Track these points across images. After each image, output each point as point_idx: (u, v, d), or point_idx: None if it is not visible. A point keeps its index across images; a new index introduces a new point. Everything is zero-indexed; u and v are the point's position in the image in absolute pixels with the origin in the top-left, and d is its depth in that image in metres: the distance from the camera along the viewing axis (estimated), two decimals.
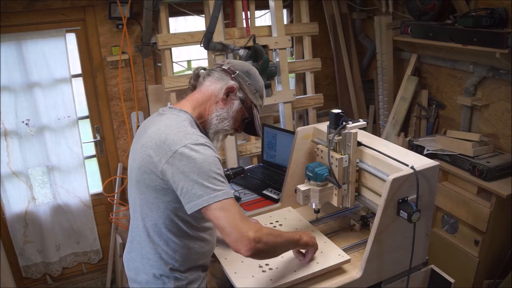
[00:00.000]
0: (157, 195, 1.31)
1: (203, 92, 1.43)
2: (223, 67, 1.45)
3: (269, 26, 2.73)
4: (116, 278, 2.96)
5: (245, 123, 1.50)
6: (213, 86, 1.43)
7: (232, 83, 1.42)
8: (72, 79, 2.64)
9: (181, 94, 2.62)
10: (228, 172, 2.02)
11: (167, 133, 1.29)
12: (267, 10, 2.89)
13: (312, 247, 1.49)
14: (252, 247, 1.19)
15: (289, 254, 1.55)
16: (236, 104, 1.43)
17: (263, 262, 1.51)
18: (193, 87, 1.49)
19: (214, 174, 1.23)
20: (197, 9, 2.75)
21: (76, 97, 2.69)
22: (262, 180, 2.39)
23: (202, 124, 1.42)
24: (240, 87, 1.44)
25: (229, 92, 1.42)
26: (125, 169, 2.89)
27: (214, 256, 1.59)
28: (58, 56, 2.54)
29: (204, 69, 1.49)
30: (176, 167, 1.23)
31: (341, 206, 1.65)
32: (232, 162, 2.62)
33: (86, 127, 2.88)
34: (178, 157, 1.23)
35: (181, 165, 1.23)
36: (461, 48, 2.35)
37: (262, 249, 1.23)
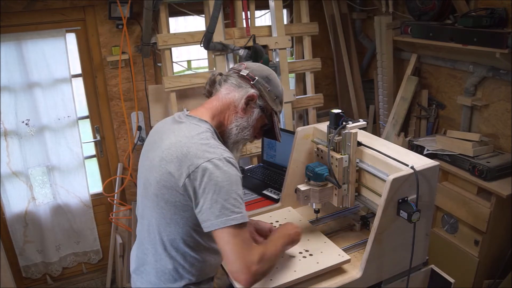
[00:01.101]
0: (177, 210, 1.26)
1: (221, 100, 1.36)
2: (241, 73, 1.37)
3: (269, 26, 2.73)
4: (116, 278, 2.96)
5: (264, 130, 1.45)
6: (232, 94, 1.35)
7: (252, 91, 1.35)
8: (72, 79, 2.64)
9: (181, 94, 2.62)
10: None
11: (189, 146, 1.22)
12: (267, 10, 2.89)
13: (298, 241, 1.48)
14: (252, 281, 1.20)
15: (289, 254, 1.55)
16: (256, 112, 1.37)
17: None
18: (209, 93, 1.41)
19: (235, 195, 1.20)
20: (197, 9, 2.75)
21: (76, 97, 2.69)
22: (262, 180, 2.39)
23: (221, 134, 1.36)
24: (260, 95, 1.37)
25: (249, 100, 1.35)
26: (125, 169, 2.89)
27: None
28: (58, 56, 2.54)
29: (221, 74, 1.41)
30: (198, 182, 1.19)
31: (341, 206, 1.65)
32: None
33: (86, 127, 2.88)
34: (200, 173, 1.18)
35: (204, 181, 1.18)
36: (461, 48, 2.35)
37: (260, 279, 1.24)
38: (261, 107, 1.38)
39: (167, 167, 1.23)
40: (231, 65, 2.56)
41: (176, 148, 1.24)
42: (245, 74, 1.36)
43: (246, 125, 1.36)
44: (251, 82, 1.36)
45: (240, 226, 1.20)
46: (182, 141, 1.24)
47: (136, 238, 1.49)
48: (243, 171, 2.03)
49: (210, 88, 1.41)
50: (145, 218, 1.37)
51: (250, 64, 1.42)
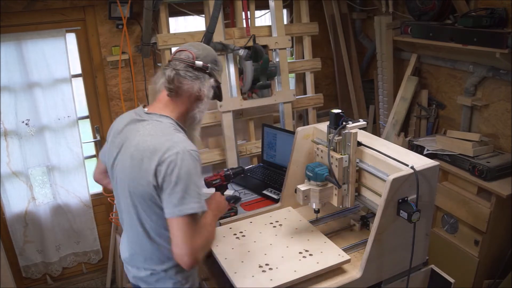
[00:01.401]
0: (153, 204, 1.35)
1: (181, 94, 1.42)
2: (196, 65, 1.42)
3: (269, 26, 2.73)
4: (116, 278, 2.96)
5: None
6: (192, 86, 1.42)
7: (210, 80, 1.46)
8: (72, 79, 2.64)
9: None
10: (228, 172, 2.02)
11: (154, 143, 1.32)
12: (267, 10, 2.89)
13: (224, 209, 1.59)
14: (194, 265, 1.31)
15: (289, 254, 1.55)
16: (211, 93, 1.48)
17: (263, 262, 1.51)
18: (170, 91, 1.43)
19: (193, 186, 1.29)
20: (197, 9, 2.75)
21: (76, 97, 2.69)
22: (262, 180, 2.39)
23: (184, 121, 1.46)
24: (215, 79, 1.49)
25: (209, 88, 1.46)
26: None
27: (214, 256, 1.59)
28: (58, 56, 2.54)
29: (171, 68, 1.42)
30: (163, 174, 1.28)
31: (341, 206, 1.65)
32: (232, 162, 2.62)
33: (86, 127, 2.88)
34: (165, 166, 1.28)
35: (167, 173, 1.28)
36: (461, 48, 2.35)
37: (200, 260, 1.33)
38: (213, 87, 1.48)
39: (138, 165, 1.32)
40: (231, 65, 2.56)
41: (144, 146, 1.33)
42: (200, 66, 1.42)
43: (204, 107, 1.49)
44: (207, 71, 1.44)
45: (195, 215, 1.29)
46: (147, 140, 1.34)
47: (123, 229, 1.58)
48: (243, 171, 2.04)
49: (169, 85, 1.42)
50: (124, 212, 1.47)
51: (195, 50, 1.45)
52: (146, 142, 1.33)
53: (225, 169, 1.99)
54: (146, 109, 1.45)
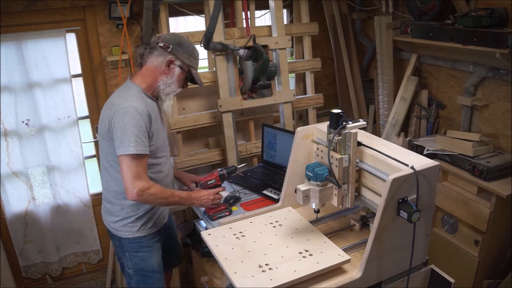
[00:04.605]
0: (108, 143, 1.81)
1: (149, 68, 1.87)
2: (159, 45, 1.83)
3: (269, 26, 2.73)
4: (116, 278, 2.96)
5: (188, 80, 1.95)
6: (156, 62, 1.85)
7: (169, 57, 1.84)
8: (72, 79, 2.64)
9: (181, 93, 2.62)
10: (223, 172, 2.09)
11: (115, 100, 1.81)
12: (267, 10, 2.88)
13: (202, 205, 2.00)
14: (135, 199, 1.75)
15: (289, 254, 1.55)
16: (177, 70, 1.87)
17: (263, 262, 1.51)
18: (140, 65, 1.90)
19: (133, 134, 1.71)
20: (197, 9, 2.75)
21: (76, 97, 2.68)
22: (262, 180, 2.40)
23: (151, 92, 1.88)
24: (176, 57, 1.85)
25: (169, 64, 1.85)
26: None
27: (214, 256, 1.59)
28: (58, 56, 2.54)
29: (145, 48, 1.88)
30: (113, 122, 1.74)
31: (341, 206, 1.66)
32: (232, 162, 2.62)
33: (86, 127, 2.87)
34: (116, 116, 1.73)
35: (116, 121, 1.73)
36: (461, 48, 2.35)
37: (142, 201, 1.80)
38: (179, 66, 1.87)
39: (103, 112, 1.84)
40: (231, 65, 2.56)
41: (111, 100, 1.84)
42: (162, 45, 1.84)
43: (170, 82, 1.88)
44: (168, 50, 1.83)
45: (133, 157, 1.72)
46: (114, 97, 1.85)
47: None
48: (235, 169, 2.20)
49: (140, 60, 1.90)
50: (99, 154, 1.94)
51: (165, 35, 1.89)
52: (113, 99, 1.83)
53: (218, 169, 2.08)
54: (130, 78, 1.90)
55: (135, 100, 1.77)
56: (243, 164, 2.41)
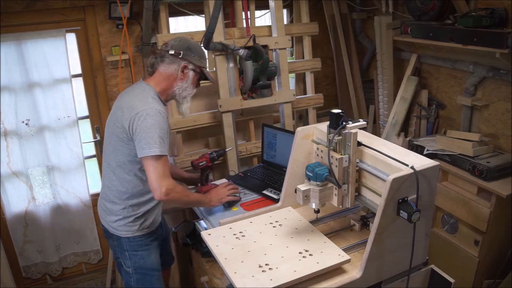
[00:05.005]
0: (122, 143, 1.82)
1: (161, 74, 1.91)
2: (169, 52, 1.88)
3: (269, 26, 2.73)
4: (116, 278, 2.96)
5: (201, 79, 2.00)
6: (169, 69, 1.90)
7: (182, 63, 1.89)
8: (72, 79, 2.64)
9: None
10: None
11: (134, 100, 1.81)
12: (267, 10, 2.88)
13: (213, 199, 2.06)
14: (162, 199, 1.78)
15: (289, 254, 1.55)
16: (191, 74, 1.93)
17: (263, 262, 1.51)
18: (151, 74, 1.94)
19: (157, 135, 1.74)
20: (197, 9, 2.75)
21: (76, 97, 2.69)
22: (262, 180, 2.40)
23: (164, 97, 1.92)
24: (189, 62, 1.90)
25: (183, 69, 1.90)
26: None
27: (214, 256, 1.59)
28: (58, 56, 2.54)
29: (155, 57, 1.93)
30: (136, 124, 1.75)
31: (341, 206, 1.66)
32: (232, 162, 2.62)
33: (86, 127, 2.87)
34: (137, 117, 1.75)
35: (139, 123, 1.74)
36: (461, 48, 2.35)
37: (169, 200, 1.81)
38: (193, 70, 1.93)
39: (119, 112, 1.82)
40: (231, 65, 2.56)
41: (128, 101, 1.83)
42: (172, 53, 1.88)
43: (186, 86, 1.94)
44: (179, 57, 1.88)
45: (158, 157, 1.75)
46: (131, 98, 1.84)
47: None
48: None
49: (152, 69, 1.94)
50: (105, 153, 1.96)
51: (172, 41, 1.93)
52: (130, 99, 1.83)
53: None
54: (143, 81, 1.93)
55: (155, 103, 1.81)
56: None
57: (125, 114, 1.78)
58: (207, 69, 2.01)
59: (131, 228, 1.95)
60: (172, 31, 2.61)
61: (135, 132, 1.76)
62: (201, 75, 1.98)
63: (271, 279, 1.42)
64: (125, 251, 1.99)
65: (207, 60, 2.01)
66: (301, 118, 3.21)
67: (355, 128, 1.56)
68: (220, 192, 2.10)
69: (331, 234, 1.76)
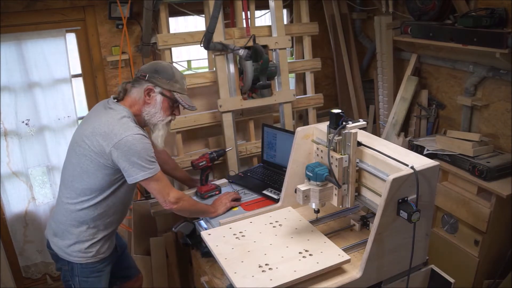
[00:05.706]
0: (99, 168, 1.72)
1: (132, 98, 1.81)
2: (137, 75, 1.82)
3: (269, 26, 2.73)
4: None
5: (176, 106, 1.88)
6: (136, 93, 1.81)
7: (146, 85, 1.79)
8: (72, 79, 2.64)
9: None
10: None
11: (113, 125, 1.70)
12: (267, 10, 2.88)
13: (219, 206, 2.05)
14: (174, 207, 1.80)
15: (289, 254, 1.55)
16: (158, 98, 1.80)
17: (263, 262, 1.51)
18: (122, 98, 1.84)
19: (147, 157, 1.70)
20: (197, 9, 2.75)
21: (76, 97, 2.69)
22: (262, 180, 2.39)
23: (138, 121, 1.82)
24: (155, 85, 1.79)
25: (148, 92, 1.79)
26: None
27: (214, 256, 1.59)
28: (58, 56, 2.54)
29: (129, 82, 1.85)
30: (121, 150, 1.66)
31: (341, 206, 1.66)
32: (233, 162, 2.62)
33: None
34: (122, 144, 1.66)
35: (127, 149, 1.66)
36: (461, 48, 2.35)
37: (178, 210, 1.83)
38: (160, 93, 1.80)
39: (97, 137, 1.70)
40: (231, 65, 2.56)
41: (105, 125, 1.70)
42: (139, 75, 1.81)
43: (154, 111, 1.81)
44: (145, 79, 1.79)
45: (154, 176, 1.73)
46: (109, 121, 1.72)
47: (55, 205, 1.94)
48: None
49: (123, 95, 1.84)
50: (66, 173, 1.86)
51: (144, 65, 1.87)
52: (107, 122, 1.71)
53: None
54: (115, 100, 1.82)
55: (135, 127, 1.73)
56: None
57: (106, 140, 1.68)
58: (184, 94, 1.85)
59: (85, 255, 1.83)
60: (172, 31, 2.61)
61: (120, 160, 1.67)
62: (174, 101, 1.83)
63: (271, 279, 1.42)
64: (76, 277, 1.87)
65: (183, 84, 1.86)
66: (301, 118, 3.21)
67: (355, 128, 1.56)
68: (223, 200, 2.09)
69: (331, 234, 1.76)
